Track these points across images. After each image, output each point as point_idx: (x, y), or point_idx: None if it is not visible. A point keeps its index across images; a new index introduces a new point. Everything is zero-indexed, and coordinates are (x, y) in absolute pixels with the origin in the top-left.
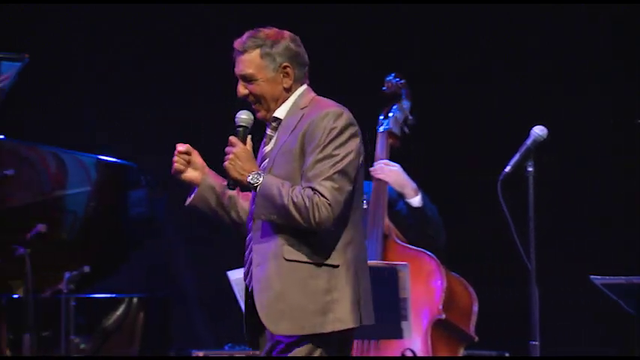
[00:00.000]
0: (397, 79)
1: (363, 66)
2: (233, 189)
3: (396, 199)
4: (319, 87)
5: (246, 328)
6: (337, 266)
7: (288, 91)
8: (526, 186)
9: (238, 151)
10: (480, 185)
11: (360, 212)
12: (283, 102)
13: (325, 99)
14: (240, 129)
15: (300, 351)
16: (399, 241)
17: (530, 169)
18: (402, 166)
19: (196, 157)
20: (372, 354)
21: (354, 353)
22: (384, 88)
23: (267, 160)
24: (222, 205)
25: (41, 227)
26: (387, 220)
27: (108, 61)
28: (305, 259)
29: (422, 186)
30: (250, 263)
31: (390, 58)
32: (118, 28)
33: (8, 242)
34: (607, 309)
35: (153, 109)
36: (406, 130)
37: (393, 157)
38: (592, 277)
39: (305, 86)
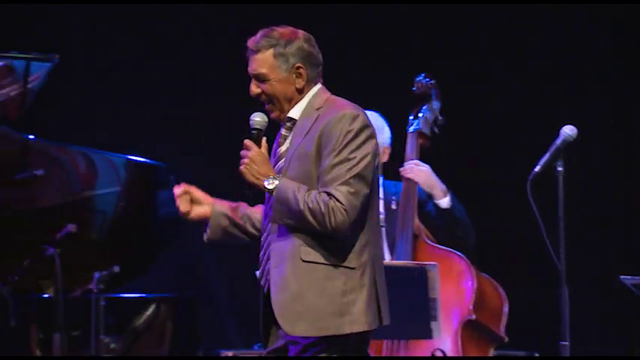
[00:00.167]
0: (427, 80)
1: (393, 66)
2: (250, 193)
3: (426, 199)
4: (349, 87)
5: (262, 328)
6: (354, 268)
7: (301, 91)
8: (556, 186)
9: (253, 154)
10: (510, 185)
11: (376, 213)
12: (297, 102)
13: (340, 99)
14: (255, 132)
15: (317, 352)
16: (429, 242)
17: (559, 168)
18: (432, 167)
19: (196, 193)
20: (401, 354)
21: (384, 353)
22: (413, 89)
23: (282, 161)
24: (237, 225)
25: (71, 227)
26: (417, 221)
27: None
28: (322, 260)
29: (451, 186)
30: (266, 263)
31: (420, 59)
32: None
33: (38, 242)
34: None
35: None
36: (436, 130)
37: (422, 158)
38: (622, 277)
39: (319, 86)
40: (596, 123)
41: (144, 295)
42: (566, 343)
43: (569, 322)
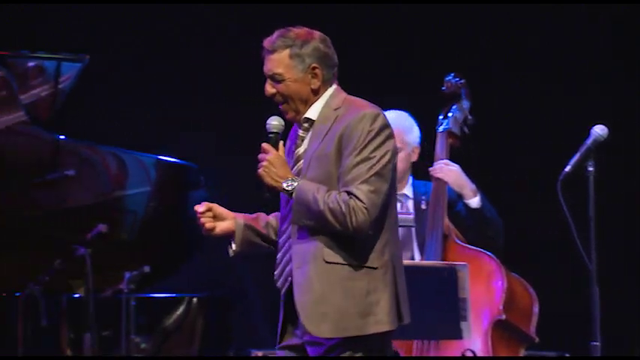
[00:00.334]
0: (457, 79)
1: (423, 66)
2: (269, 196)
3: (456, 199)
4: (378, 87)
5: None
6: (376, 268)
7: (317, 92)
8: (586, 186)
9: (272, 157)
10: (540, 185)
11: (395, 212)
12: (312, 103)
13: (358, 99)
14: (272, 135)
15: (341, 353)
16: (458, 242)
17: (590, 168)
18: (462, 166)
19: (218, 209)
20: (431, 354)
21: (414, 353)
22: (443, 88)
23: (300, 163)
24: (261, 235)
25: (102, 227)
26: (446, 221)
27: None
28: (345, 261)
29: (481, 186)
30: (285, 265)
31: (450, 58)
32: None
33: (69, 242)
34: None
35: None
36: (466, 130)
37: (452, 158)
38: None
39: (335, 86)
40: (627, 122)
41: (174, 294)
42: (597, 343)
43: (600, 323)
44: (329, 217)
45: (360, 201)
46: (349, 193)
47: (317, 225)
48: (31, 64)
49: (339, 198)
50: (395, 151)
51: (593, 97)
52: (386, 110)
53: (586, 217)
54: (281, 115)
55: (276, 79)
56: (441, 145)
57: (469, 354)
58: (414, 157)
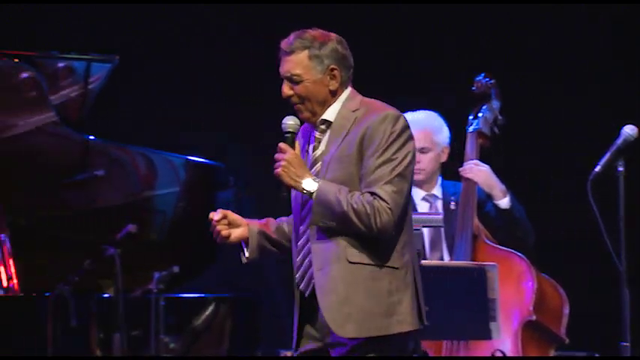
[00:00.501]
0: (487, 79)
1: (453, 66)
2: (287, 196)
3: (485, 200)
4: (409, 87)
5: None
6: (398, 268)
7: (334, 94)
8: (616, 186)
9: (290, 157)
10: (570, 185)
11: (411, 214)
12: (329, 105)
13: (375, 100)
14: (289, 135)
15: (364, 353)
16: (488, 242)
17: (620, 168)
18: (492, 167)
19: (232, 215)
20: (461, 354)
21: (444, 353)
22: (473, 88)
23: (319, 165)
24: (274, 241)
25: (131, 227)
26: (476, 221)
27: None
28: (368, 261)
29: (511, 186)
30: (306, 268)
31: (480, 58)
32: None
33: (99, 242)
34: None
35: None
36: (496, 130)
37: (482, 158)
38: None
39: (350, 89)
40: None
41: (203, 295)
42: (627, 344)
43: (630, 323)
44: (353, 218)
45: (385, 201)
46: (373, 194)
47: (339, 226)
48: (60, 64)
49: (362, 199)
50: (414, 153)
51: (623, 98)
52: (415, 110)
53: (616, 218)
54: (294, 114)
55: (295, 81)
56: (471, 146)
57: (499, 354)
58: (444, 158)
